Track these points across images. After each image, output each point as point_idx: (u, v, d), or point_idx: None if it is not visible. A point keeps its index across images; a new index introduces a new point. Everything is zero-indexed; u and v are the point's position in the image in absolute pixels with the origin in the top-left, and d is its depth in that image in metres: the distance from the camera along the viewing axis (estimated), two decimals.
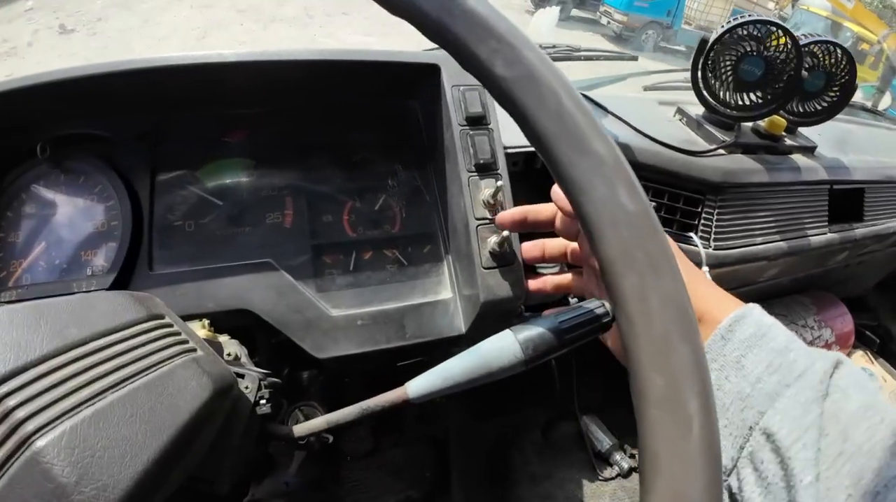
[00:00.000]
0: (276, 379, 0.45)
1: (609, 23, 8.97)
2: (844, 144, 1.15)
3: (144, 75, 0.53)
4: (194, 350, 0.34)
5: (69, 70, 0.52)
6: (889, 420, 0.31)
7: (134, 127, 0.58)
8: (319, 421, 0.40)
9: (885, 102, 2.03)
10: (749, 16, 0.80)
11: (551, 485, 0.88)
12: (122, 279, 0.53)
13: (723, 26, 0.78)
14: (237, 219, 0.57)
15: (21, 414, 0.24)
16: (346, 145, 0.62)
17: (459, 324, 0.56)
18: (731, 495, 0.36)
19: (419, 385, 0.37)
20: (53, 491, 0.23)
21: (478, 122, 0.54)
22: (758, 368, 0.37)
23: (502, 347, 0.37)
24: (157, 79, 0.54)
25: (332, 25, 5.82)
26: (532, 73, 0.28)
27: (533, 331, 0.38)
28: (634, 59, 1.21)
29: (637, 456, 0.24)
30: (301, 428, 0.41)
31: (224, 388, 0.34)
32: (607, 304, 0.41)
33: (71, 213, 0.56)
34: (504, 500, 0.92)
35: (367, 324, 0.54)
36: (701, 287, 0.43)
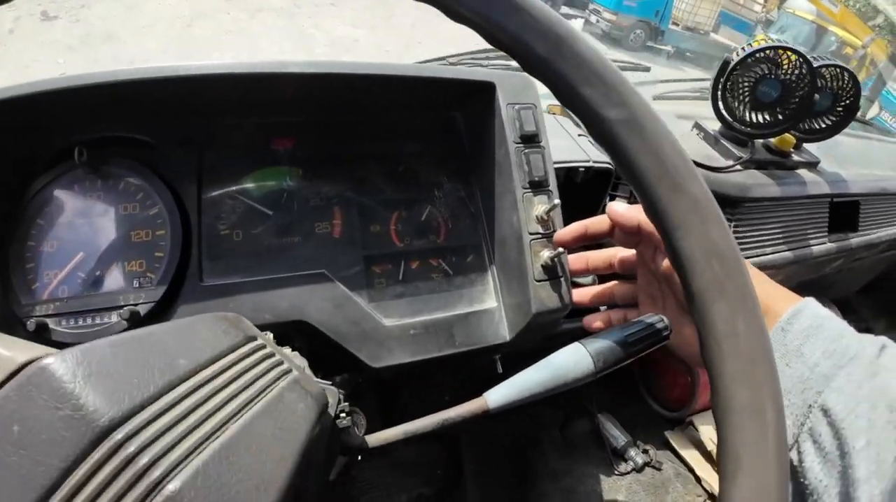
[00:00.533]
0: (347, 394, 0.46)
1: (598, 21, 9.07)
2: (842, 158, 1.20)
3: (193, 83, 0.52)
4: (290, 370, 0.35)
5: (109, 73, 0.49)
6: None
7: (177, 131, 0.56)
8: (396, 432, 0.42)
9: (873, 111, 2.11)
10: (764, 41, 0.84)
11: (572, 480, 0.92)
12: (173, 291, 0.51)
13: (744, 49, 0.82)
14: (287, 230, 0.58)
15: (144, 459, 0.22)
16: (391, 155, 0.63)
17: (504, 332, 0.58)
18: (793, 467, 0.40)
19: (499, 396, 0.39)
20: None
21: (531, 140, 0.56)
22: (815, 354, 0.41)
23: (577, 360, 0.40)
24: (199, 86, 0.53)
25: (320, 16, 5.75)
26: (636, 117, 0.31)
27: (602, 344, 0.40)
28: (647, 69, 1.24)
29: (716, 453, 0.28)
30: (375, 439, 0.43)
31: (324, 407, 0.35)
32: (666, 319, 0.44)
33: (110, 221, 0.53)
34: (525, 497, 0.94)
35: (419, 333, 0.55)
36: (762, 284, 0.48)
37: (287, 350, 0.47)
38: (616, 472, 0.95)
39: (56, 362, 0.23)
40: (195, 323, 0.32)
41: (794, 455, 0.41)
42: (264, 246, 0.57)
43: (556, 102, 0.87)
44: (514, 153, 0.55)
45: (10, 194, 0.51)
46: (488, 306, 0.60)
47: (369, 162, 0.62)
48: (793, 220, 0.94)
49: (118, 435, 0.22)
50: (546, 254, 0.54)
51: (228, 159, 0.58)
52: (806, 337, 0.43)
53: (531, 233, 0.54)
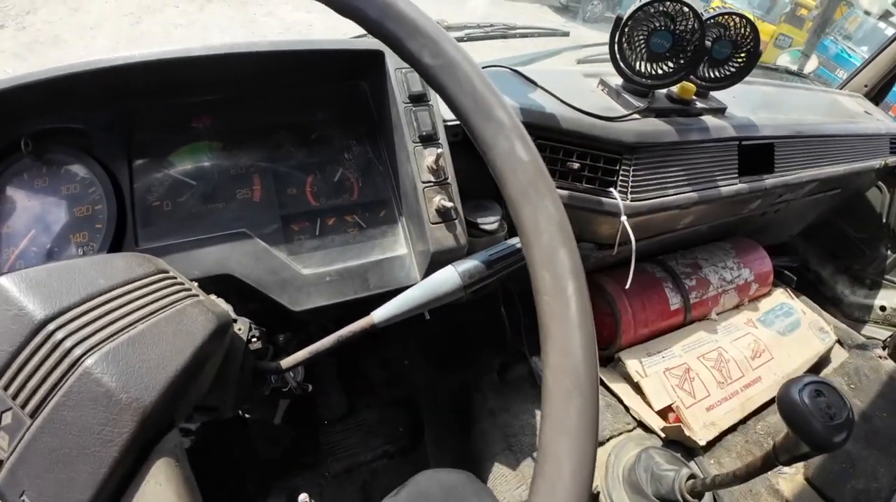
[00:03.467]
0: (262, 327, 0.53)
1: None
2: (757, 105, 1.27)
3: (114, 73, 0.58)
4: (197, 295, 0.42)
5: (38, 73, 0.56)
6: None
7: (105, 118, 0.63)
8: (302, 353, 0.49)
9: (811, 65, 2.19)
10: None
11: (508, 417, 1.01)
12: None
13: (636, 4, 0.89)
14: (210, 197, 0.64)
15: (69, 343, 0.31)
16: (305, 125, 0.70)
17: (415, 274, 0.66)
18: None
19: (382, 313, 0.47)
20: (105, 394, 0.31)
21: (419, 99, 0.63)
22: None
23: (446, 278, 0.47)
24: (123, 75, 0.59)
25: (271, 3, 5.66)
26: (451, 61, 0.38)
27: (469, 263, 0.48)
28: (566, 34, 1.31)
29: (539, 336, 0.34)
30: (287, 361, 0.50)
31: (225, 324, 0.42)
32: None
33: (56, 202, 0.61)
34: (469, 438, 1.03)
35: (334, 279, 0.62)
36: None
37: (212, 296, 0.55)
38: None
39: (5, 280, 0.33)
40: (113, 257, 0.40)
41: None
42: (191, 212, 0.63)
43: None
44: (404, 112, 0.62)
45: None
46: (399, 253, 0.67)
47: (284, 131, 0.69)
48: (697, 163, 1.02)
49: (51, 326, 0.31)
50: (438, 199, 0.61)
51: (154, 138, 0.65)
52: None
53: (424, 182, 0.61)
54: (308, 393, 0.61)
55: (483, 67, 0.94)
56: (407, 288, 0.65)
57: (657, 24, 0.91)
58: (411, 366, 1.24)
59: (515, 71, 0.94)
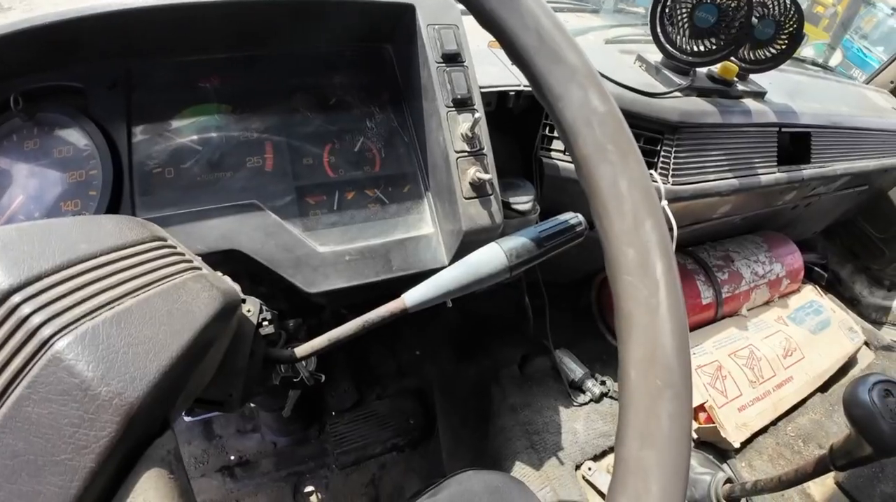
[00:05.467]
0: (274, 310, 0.46)
1: None
2: (794, 93, 1.21)
3: (114, 19, 0.52)
4: (200, 268, 0.36)
5: (35, 18, 0.50)
6: None
7: (105, 75, 0.57)
8: (321, 340, 0.43)
9: (835, 59, 2.13)
10: None
11: (531, 413, 0.95)
12: None
13: None
14: (217, 164, 0.58)
15: (37, 319, 0.24)
16: (322, 89, 0.63)
17: (442, 256, 0.59)
18: None
19: (416, 295, 0.40)
20: (79, 386, 0.24)
21: (454, 59, 0.56)
22: None
23: (490, 256, 0.41)
24: (127, 23, 0.53)
25: None
26: None
27: (516, 241, 0.41)
28: (595, 11, 1.23)
29: (615, 323, 0.28)
30: (303, 349, 0.43)
31: (232, 303, 0.36)
32: (580, 216, 0.45)
33: (47, 165, 0.55)
34: (488, 432, 0.97)
35: (354, 258, 0.56)
36: None
37: (218, 273, 0.48)
38: (574, 403, 0.98)
39: None
40: (101, 218, 0.33)
41: None
42: (196, 181, 0.57)
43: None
44: (437, 72, 0.55)
45: None
46: (425, 232, 0.61)
47: (300, 95, 0.62)
48: (738, 148, 0.96)
49: (16, 297, 0.24)
50: (473, 171, 0.54)
51: (157, 99, 0.59)
52: None
53: (457, 152, 0.55)
54: (320, 383, 0.55)
55: None
56: (433, 270, 0.60)
57: None
58: (426, 355, 1.18)
59: None
